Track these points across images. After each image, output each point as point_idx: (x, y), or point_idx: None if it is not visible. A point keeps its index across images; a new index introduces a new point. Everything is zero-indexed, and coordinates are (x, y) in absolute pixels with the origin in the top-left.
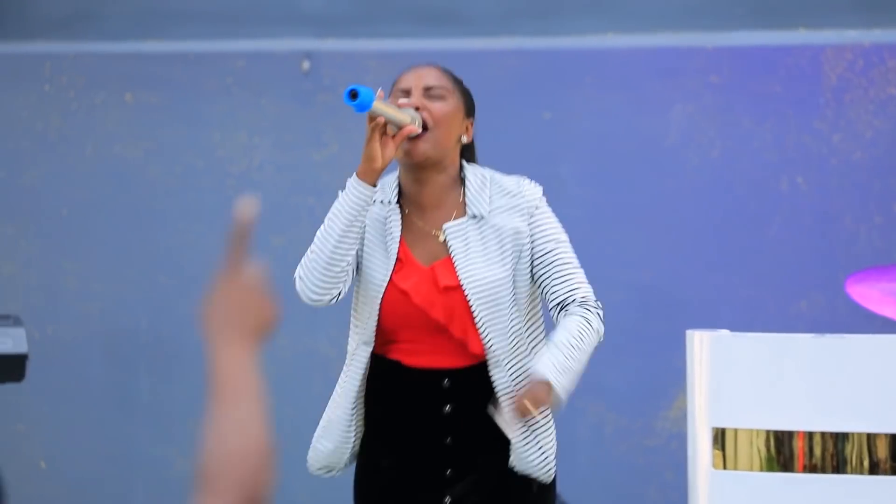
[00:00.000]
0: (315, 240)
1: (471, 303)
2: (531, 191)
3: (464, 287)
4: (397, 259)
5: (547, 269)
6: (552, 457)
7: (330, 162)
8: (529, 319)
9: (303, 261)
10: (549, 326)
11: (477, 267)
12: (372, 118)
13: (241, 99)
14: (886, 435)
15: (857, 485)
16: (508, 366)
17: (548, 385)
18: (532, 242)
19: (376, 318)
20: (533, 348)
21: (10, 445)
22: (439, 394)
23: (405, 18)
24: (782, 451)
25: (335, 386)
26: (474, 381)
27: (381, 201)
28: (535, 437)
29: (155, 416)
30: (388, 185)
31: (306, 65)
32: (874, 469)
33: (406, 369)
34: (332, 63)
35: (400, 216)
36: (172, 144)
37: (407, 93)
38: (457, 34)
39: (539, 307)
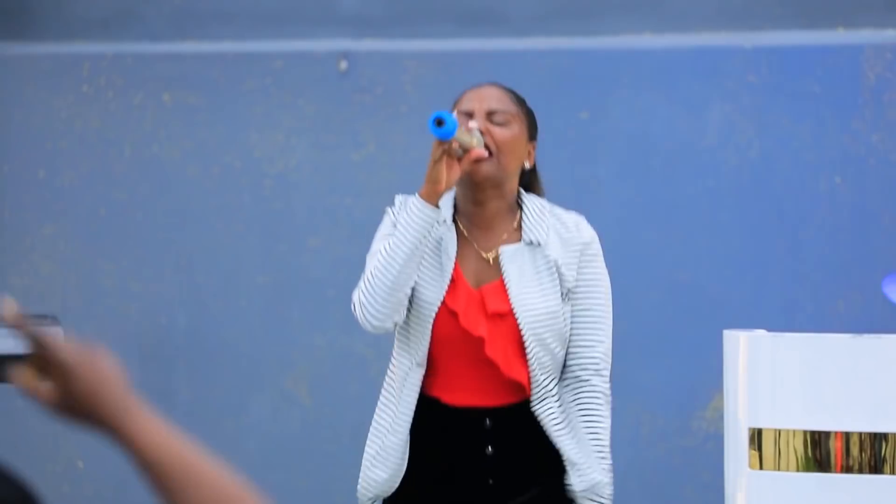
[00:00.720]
0: (376, 264)
1: (522, 331)
2: (588, 231)
3: (516, 314)
4: (451, 279)
5: (578, 322)
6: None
7: (367, 162)
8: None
9: (362, 286)
10: None
11: (531, 295)
12: (443, 141)
13: (278, 99)
14: None
15: (894, 485)
16: (557, 398)
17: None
18: (576, 284)
19: (429, 338)
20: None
21: (48, 445)
22: (481, 434)
23: (442, 18)
24: (819, 452)
25: (377, 410)
26: (517, 420)
27: (437, 220)
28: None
29: (192, 415)
30: (445, 203)
31: (344, 65)
32: None
33: (446, 408)
34: (369, 63)
35: (455, 235)
36: (210, 145)
37: (470, 115)
38: (494, 34)
39: None
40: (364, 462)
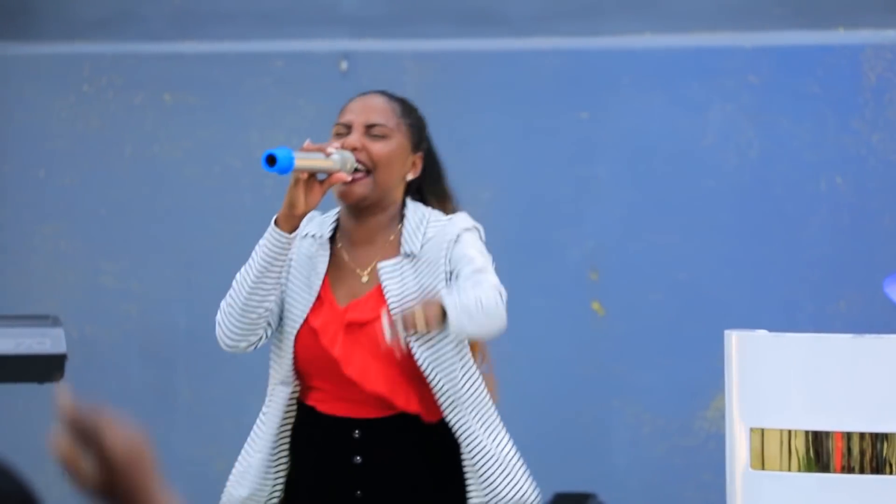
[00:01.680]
0: (232, 286)
1: (413, 350)
2: (457, 225)
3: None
4: (318, 297)
5: (461, 271)
6: (527, 487)
7: None
8: (463, 358)
9: (221, 305)
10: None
11: (410, 303)
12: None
13: (279, 99)
14: None
15: (895, 485)
16: (471, 408)
17: (440, 308)
18: (450, 263)
19: (291, 356)
20: (479, 399)
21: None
22: (350, 444)
23: (443, 18)
24: (820, 452)
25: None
26: (388, 434)
27: (313, 235)
28: (504, 470)
29: (193, 416)
30: (328, 219)
31: (344, 65)
32: None
33: (320, 416)
34: (370, 63)
35: (328, 252)
36: (211, 145)
37: (348, 128)
38: (494, 34)
39: (468, 352)
40: (230, 478)
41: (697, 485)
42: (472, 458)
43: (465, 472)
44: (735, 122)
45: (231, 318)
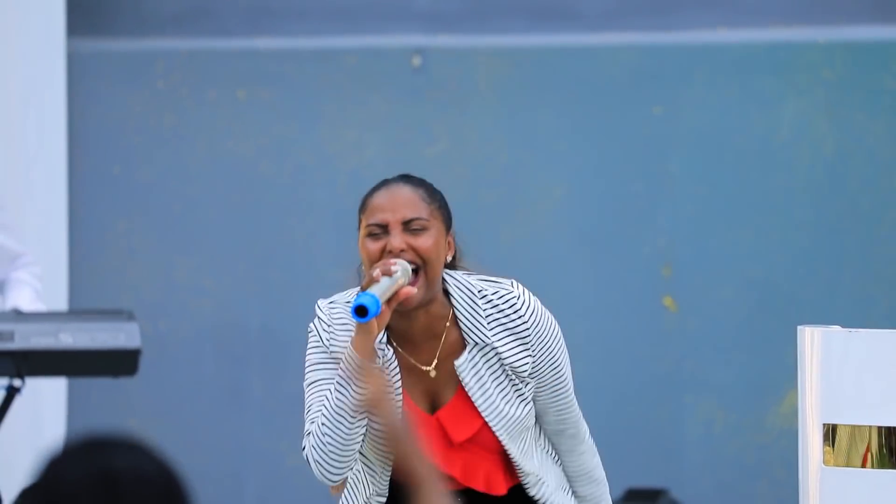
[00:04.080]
0: (323, 422)
1: (502, 440)
2: (523, 308)
3: (491, 425)
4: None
5: (549, 399)
6: None
7: (440, 158)
8: (539, 434)
9: (313, 442)
10: None
11: (497, 402)
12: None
13: (351, 95)
14: None
15: None
16: (551, 478)
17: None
18: (534, 369)
19: (390, 471)
20: (553, 466)
21: None
22: None
23: (516, 14)
24: (894, 448)
25: None
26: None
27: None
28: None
29: (266, 412)
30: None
31: (417, 61)
32: None
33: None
34: (442, 59)
35: (396, 359)
36: (284, 141)
37: (384, 228)
38: (567, 30)
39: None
40: None
41: (770, 481)
42: None
43: None
44: (809, 118)
45: (333, 456)
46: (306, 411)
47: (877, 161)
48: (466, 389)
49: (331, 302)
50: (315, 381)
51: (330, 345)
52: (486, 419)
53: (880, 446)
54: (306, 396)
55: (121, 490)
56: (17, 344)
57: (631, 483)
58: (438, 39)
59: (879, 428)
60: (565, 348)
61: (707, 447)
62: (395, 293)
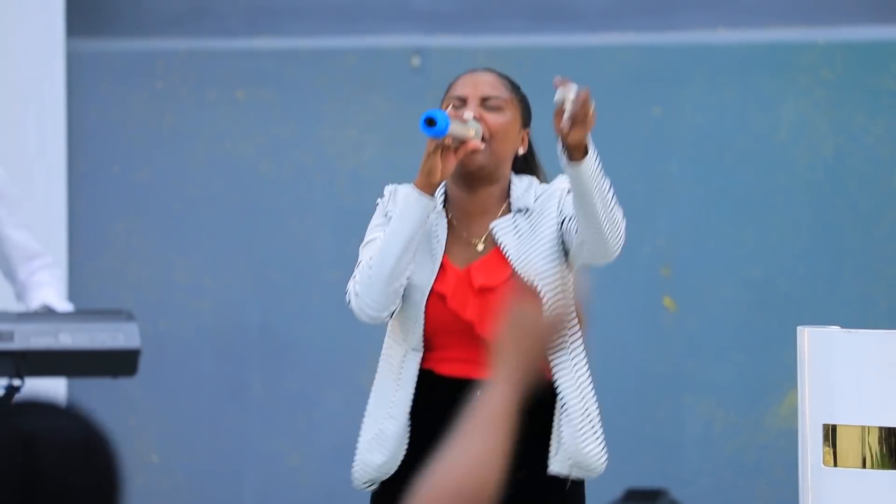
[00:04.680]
0: (373, 255)
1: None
2: (563, 181)
3: (518, 270)
4: (441, 265)
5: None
6: (600, 451)
7: None
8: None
9: (358, 277)
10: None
11: (534, 257)
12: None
13: (351, 95)
14: None
15: None
16: (573, 355)
17: (585, 142)
18: (562, 213)
19: (422, 323)
20: (579, 351)
21: (123, 439)
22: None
23: (515, 14)
24: (894, 449)
25: (372, 394)
26: None
27: (432, 210)
28: (593, 428)
29: (266, 411)
30: (436, 191)
31: (416, 61)
32: None
33: (440, 378)
34: (442, 59)
35: (446, 222)
36: (283, 141)
37: (463, 101)
38: (567, 30)
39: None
40: (360, 446)
41: (769, 482)
42: (561, 411)
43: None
44: (809, 118)
45: (376, 289)
46: (357, 265)
47: (876, 161)
48: (501, 247)
49: (396, 185)
50: (369, 241)
51: (391, 210)
52: (515, 267)
53: (880, 446)
54: (361, 254)
55: (38, 452)
56: (16, 344)
57: (630, 483)
58: (437, 39)
59: (879, 428)
60: None
61: (706, 447)
62: (463, 141)
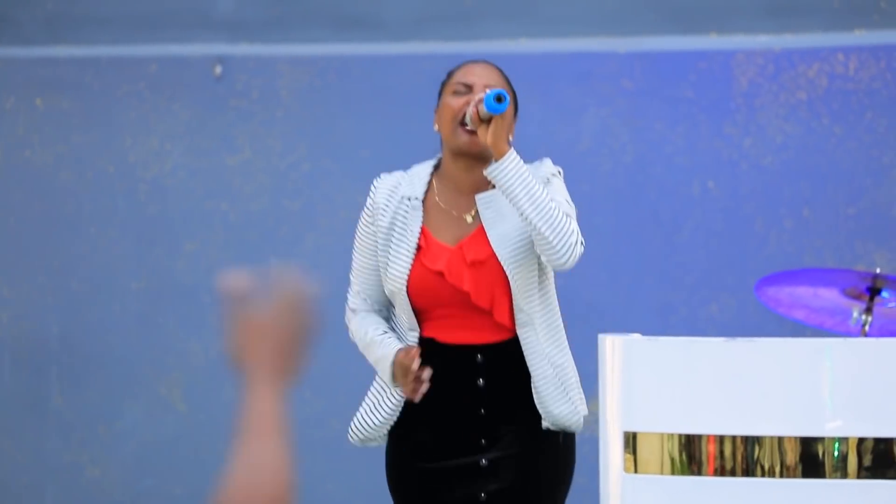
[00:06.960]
0: (355, 332)
1: (504, 266)
2: (549, 165)
3: (497, 253)
4: (419, 247)
5: None
6: (580, 404)
7: (243, 167)
8: (549, 289)
9: (351, 328)
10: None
11: (507, 228)
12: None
13: (153, 104)
14: (796, 438)
15: (767, 488)
16: (541, 327)
17: (505, 142)
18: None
19: (410, 307)
20: (552, 320)
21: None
22: (473, 368)
23: (318, 23)
24: (693, 455)
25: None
26: (505, 356)
27: (409, 198)
28: (565, 390)
29: (65, 423)
30: (419, 178)
31: (219, 69)
32: (784, 473)
33: (441, 346)
34: (244, 68)
35: (422, 213)
36: (84, 150)
37: (469, 87)
38: (370, 39)
39: (552, 283)
40: (361, 407)
41: (572, 488)
42: (535, 374)
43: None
44: (609, 127)
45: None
46: (349, 288)
47: (675, 169)
48: (482, 221)
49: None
50: (355, 269)
51: (372, 205)
52: (493, 245)
53: (680, 453)
54: (351, 279)
55: None
56: None
57: None
58: (240, 48)
59: (679, 435)
60: (570, 201)
61: None
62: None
